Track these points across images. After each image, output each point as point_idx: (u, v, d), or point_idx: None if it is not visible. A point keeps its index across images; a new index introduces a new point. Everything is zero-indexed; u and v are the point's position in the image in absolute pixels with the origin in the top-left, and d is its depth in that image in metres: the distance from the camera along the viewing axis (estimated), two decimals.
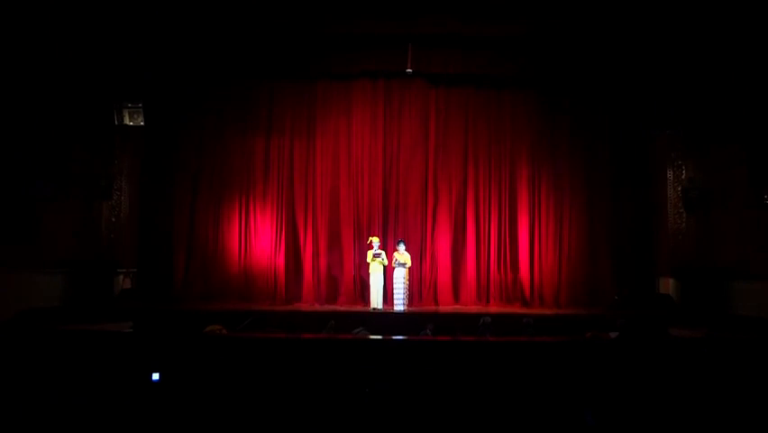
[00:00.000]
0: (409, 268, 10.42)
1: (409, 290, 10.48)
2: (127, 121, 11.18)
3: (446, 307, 11.00)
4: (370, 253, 10.45)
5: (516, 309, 10.60)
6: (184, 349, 4.34)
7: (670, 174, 10.92)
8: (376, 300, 10.30)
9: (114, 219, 10.96)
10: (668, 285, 10.71)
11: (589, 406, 3.94)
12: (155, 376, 4.11)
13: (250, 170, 11.65)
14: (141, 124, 11.21)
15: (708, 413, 3.93)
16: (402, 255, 10.34)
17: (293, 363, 4.23)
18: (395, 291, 10.26)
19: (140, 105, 11.15)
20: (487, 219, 11.48)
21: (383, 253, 10.46)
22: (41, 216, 9.43)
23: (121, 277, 10.77)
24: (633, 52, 10.59)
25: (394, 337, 4.85)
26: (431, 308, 10.91)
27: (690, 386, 4.03)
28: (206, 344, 4.52)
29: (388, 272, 10.52)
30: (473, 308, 10.72)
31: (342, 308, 10.66)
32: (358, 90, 11.69)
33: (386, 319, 9.54)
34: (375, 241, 10.48)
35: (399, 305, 10.17)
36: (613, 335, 5.49)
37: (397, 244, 10.52)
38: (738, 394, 3.96)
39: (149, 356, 4.25)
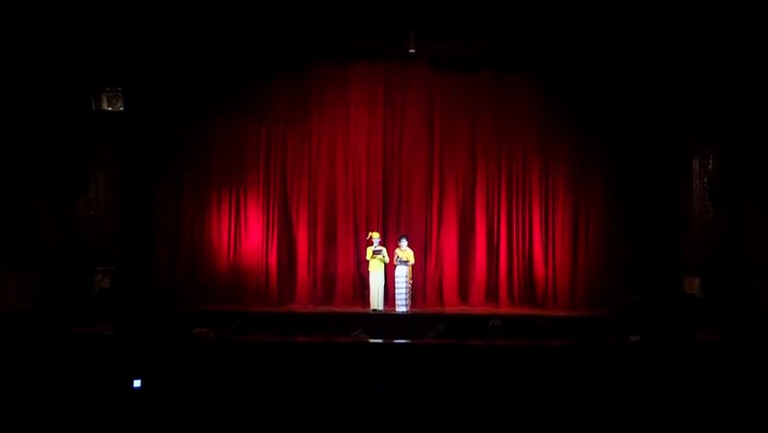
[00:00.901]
0: (412, 266, 10.41)
1: (412, 290, 10.48)
2: (105, 106, 11.13)
3: (452, 308, 10.98)
4: (369, 250, 10.44)
5: (529, 311, 10.59)
6: (168, 354, 4.34)
7: (695, 164, 10.87)
8: (376, 301, 10.30)
9: (91, 213, 10.93)
10: (693, 284, 10.69)
11: (609, 415, 3.93)
12: (136, 383, 4.10)
13: (240, 160, 11.61)
14: (121, 109, 11.17)
15: (732, 422, 3.92)
16: (404, 252, 10.33)
17: (286, 369, 4.22)
18: (396, 291, 10.26)
19: (119, 89, 11.10)
20: (497, 213, 11.45)
21: (384, 249, 10.45)
22: (11, 210, 9.42)
23: (99, 276, 10.77)
24: (657, 32, 10.52)
25: (395, 341, 4.85)
26: (436, 308, 10.90)
27: (715, 393, 4.02)
28: (192, 348, 4.51)
29: (389, 271, 10.51)
30: (482, 310, 10.70)
31: (340, 310, 10.65)
32: (356, 74, 11.63)
33: (387, 321, 9.55)
34: (375, 236, 10.47)
35: (401, 306, 10.17)
36: (634, 338, 5.49)
37: (400, 239, 10.51)
38: (764, 401, 3.95)
39: (129, 362, 4.24)
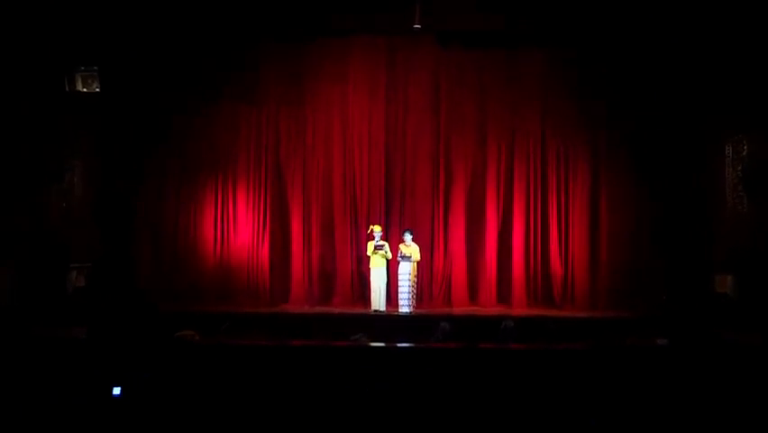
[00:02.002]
0: (417, 262, 10.43)
1: (417, 289, 10.49)
2: (80, 87, 11.11)
3: (461, 308, 11.01)
4: (370, 245, 10.44)
5: (544, 312, 10.61)
6: (150, 359, 4.34)
7: (728, 151, 10.82)
8: (378, 301, 10.32)
9: (65, 205, 10.94)
10: (725, 282, 10.67)
11: (632, 427, 3.93)
12: (116, 391, 4.11)
13: (228, 146, 11.63)
14: (97, 90, 11.14)
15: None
16: (409, 247, 10.34)
17: (279, 376, 4.22)
18: (400, 290, 10.28)
19: (95, 68, 11.08)
20: (510, 204, 11.45)
21: (386, 244, 10.46)
22: None
23: (74, 273, 10.78)
24: (687, 7, 10.46)
25: (399, 345, 4.85)
26: (443, 309, 10.92)
27: (751, 401, 4.02)
28: (177, 352, 4.52)
29: (391, 268, 10.53)
30: (493, 310, 10.73)
31: (338, 311, 10.68)
32: (355, 52, 11.63)
33: (389, 323, 9.56)
34: (377, 230, 10.48)
35: (405, 306, 10.19)
36: (661, 341, 5.49)
37: (403, 233, 10.51)
38: None
39: (108, 368, 4.25)
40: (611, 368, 4.25)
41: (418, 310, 10.37)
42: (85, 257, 11.00)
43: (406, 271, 10.25)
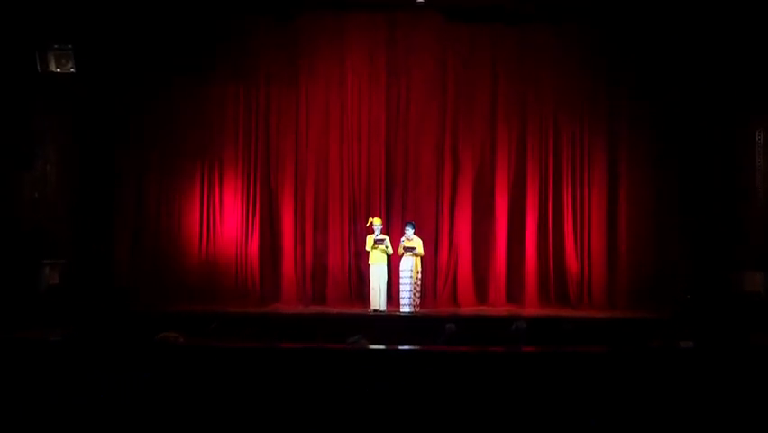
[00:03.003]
0: (421, 258, 10.42)
1: (421, 287, 10.49)
2: (53, 67, 11.04)
3: (468, 308, 11.04)
4: (370, 239, 10.44)
5: (559, 312, 10.64)
6: (130, 362, 4.34)
7: (759, 137, 10.79)
8: (377, 300, 10.33)
9: (37, 195, 10.92)
10: (756, 280, 10.67)
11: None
12: (93, 398, 4.11)
13: (214, 131, 11.64)
14: (72, 71, 11.09)
15: None
16: (411, 241, 10.33)
17: (269, 381, 4.22)
18: (401, 288, 10.29)
19: (69, 46, 11.03)
20: (521, 194, 11.45)
21: (387, 238, 10.45)
22: None
23: (47, 270, 10.77)
24: None
25: (401, 348, 4.84)
26: (448, 309, 10.95)
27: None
28: (159, 355, 4.52)
29: (393, 263, 10.52)
30: (503, 310, 10.75)
31: (334, 311, 10.69)
32: (353, 27, 11.61)
33: (390, 324, 9.57)
34: (377, 223, 10.47)
35: (407, 306, 10.20)
36: (685, 344, 5.48)
37: (405, 227, 10.51)
38: None
39: (85, 372, 4.25)
40: (631, 373, 4.24)
41: (421, 310, 10.37)
42: (59, 252, 10.98)
43: (408, 268, 10.25)
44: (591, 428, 3.97)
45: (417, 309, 10.26)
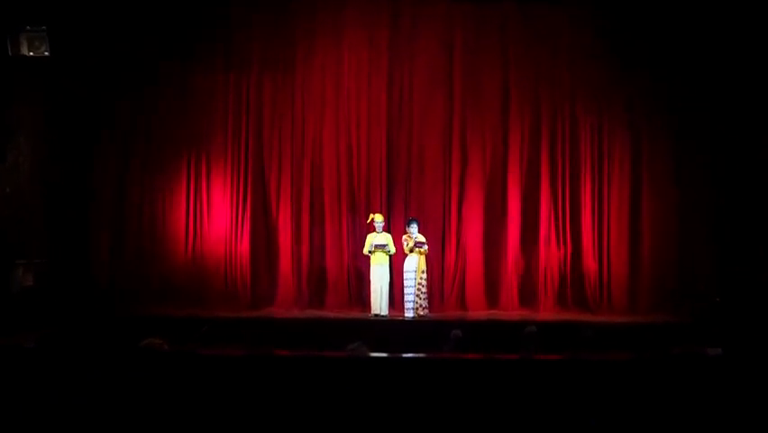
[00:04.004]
0: (426, 257, 10.41)
1: (426, 290, 10.49)
2: (25, 51, 11.05)
3: (478, 312, 11.04)
4: (369, 239, 10.43)
5: (576, 316, 10.65)
6: (111, 371, 4.35)
7: None
8: (378, 303, 10.33)
9: (8, 191, 10.93)
10: None
11: None
12: (70, 409, 4.13)
13: (202, 121, 11.65)
14: (46, 54, 11.10)
15: None
16: (415, 238, 10.29)
17: (261, 391, 4.23)
18: (405, 290, 10.29)
19: (43, 28, 11.03)
20: (535, 189, 11.45)
21: (389, 238, 10.43)
22: None
23: (20, 270, 10.79)
24: None
25: (404, 355, 4.86)
26: (456, 313, 10.97)
27: None
28: (142, 363, 4.53)
29: (395, 264, 10.52)
30: (516, 315, 10.76)
31: (332, 315, 10.72)
32: (352, 7, 11.61)
33: (393, 330, 9.59)
34: (378, 220, 10.47)
35: (411, 310, 10.20)
36: (713, 351, 5.49)
37: (408, 224, 10.50)
38: None
39: (62, 381, 4.26)
40: (655, 383, 4.25)
41: (427, 315, 10.36)
42: (34, 252, 11.00)
43: (412, 268, 10.24)
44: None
45: (423, 314, 10.25)
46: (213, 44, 11.63)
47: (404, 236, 10.43)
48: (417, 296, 10.23)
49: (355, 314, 10.76)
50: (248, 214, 11.57)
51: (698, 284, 11.07)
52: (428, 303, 10.43)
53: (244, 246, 11.50)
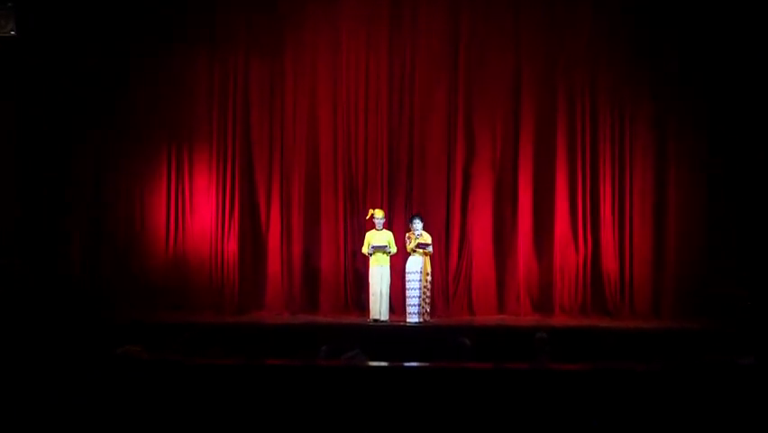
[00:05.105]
0: (430, 257, 10.41)
1: (430, 292, 10.48)
2: None
3: (487, 317, 11.04)
4: (368, 239, 10.42)
5: (595, 321, 10.64)
6: (85, 380, 4.35)
7: None
8: (378, 308, 10.32)
9: None
10: None
11: None
12: (41, 420, 4.13)
13: (184, 108, 11.66)
14: (12, 33, 11.09)
15: None
16: (419, 238, 10.29)
17: (249, 403, 4.23)
18: (408, 293, 10.28)
19: (9, 4, 11.02)
20: (550, 182, 11.44)
21: (390, 236, 10.42)
22: None
23: None
24: None
25: (406, 364, 4.86)
26: (463, 318, 10.98)
27: None
28: (118, 372, 4.53)
29: (397, 264, 10.53)
30: (528, 320, 10.76)
31: (327, 320, 10.70)
32: None
33: (394, 336, 9.58)
34: (378, 216, 10.45)
35: (415, 314, 10.19)
36: (745, 360, 5.49)
37: (411, 220, 10.49)
38: None
39: (31, 391, 4.26)
40: (682, 394, 4.25)
41: (431, 320, 10.36)
42: (0, 251, 11.01)
43: (416, 269, 10.23)
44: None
45: (427, 319, 10.25)
46: (194, 23, 11.61)
47: (407, 234, 10.41)
48: (423, 300, 10.21)
49: (352, 319, 10.74)
50: (235, 209, 11.57)
51: (728, 287, 11.05)
52: (430, 307, 10.44)
53: (231, 245, 11.50)
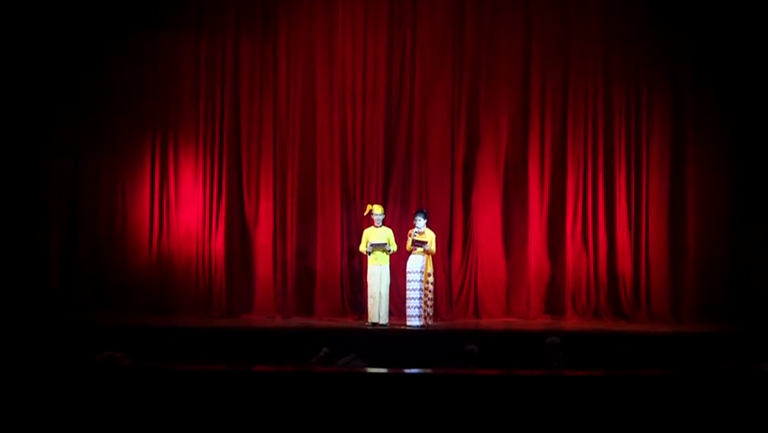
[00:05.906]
0: (433, 255, 10.41)
1: (432, 294, 10.48)
2: None
3: (493, 320, 11.07)
4: (366, 236, 10.42)
5: (610, 325, 10.68)
6: (63, 388, 4.35)
7: None
8: (377, 311, 10.32)
9: None
10: None
11: None
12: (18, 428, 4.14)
13: (169, 95, 11.68)
14: None
15: None
16: (423, 235, 10.28)
17: (238, 412, 4.23)
18: (409, 295, 10.27)
19: None
20: (561, 177, 11.46)
21: (390, 233, 10.42)
22: None
23: None
24: None
25: (407, 371, 4.86)
26: (468, 322, 11.01)
27: None
28: (98, 380, 4.53)
29: (397, 264, 10.53)
30: (538, 323, 10.80)
31: (322, 324, 10.70)
32: None
33: (393, 341, 9.60)
34: (377, 212, 10.44)
35: (416, 318, 10.19)
36: (766, 366, 5.50)
37: (415, 216, 10.47)
38: None
39: (6, 401, 4.26)
40: (700, 402, 4.26)
41: (434, 324, 10.37)
42: None
43: (417, 269, 10.22)
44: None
45: (429, 323, 10.25)
46: (180, 6, 11.63)
47: (410, 231, 10.39)
48: (425, 302, 10.20)
49: (349, 322, 10.79)
50: (223, 206, 11.59)
51: (749, 289, 11.07)
52: (433, 310, 10.43)
53: (219, 244, 11.52)
